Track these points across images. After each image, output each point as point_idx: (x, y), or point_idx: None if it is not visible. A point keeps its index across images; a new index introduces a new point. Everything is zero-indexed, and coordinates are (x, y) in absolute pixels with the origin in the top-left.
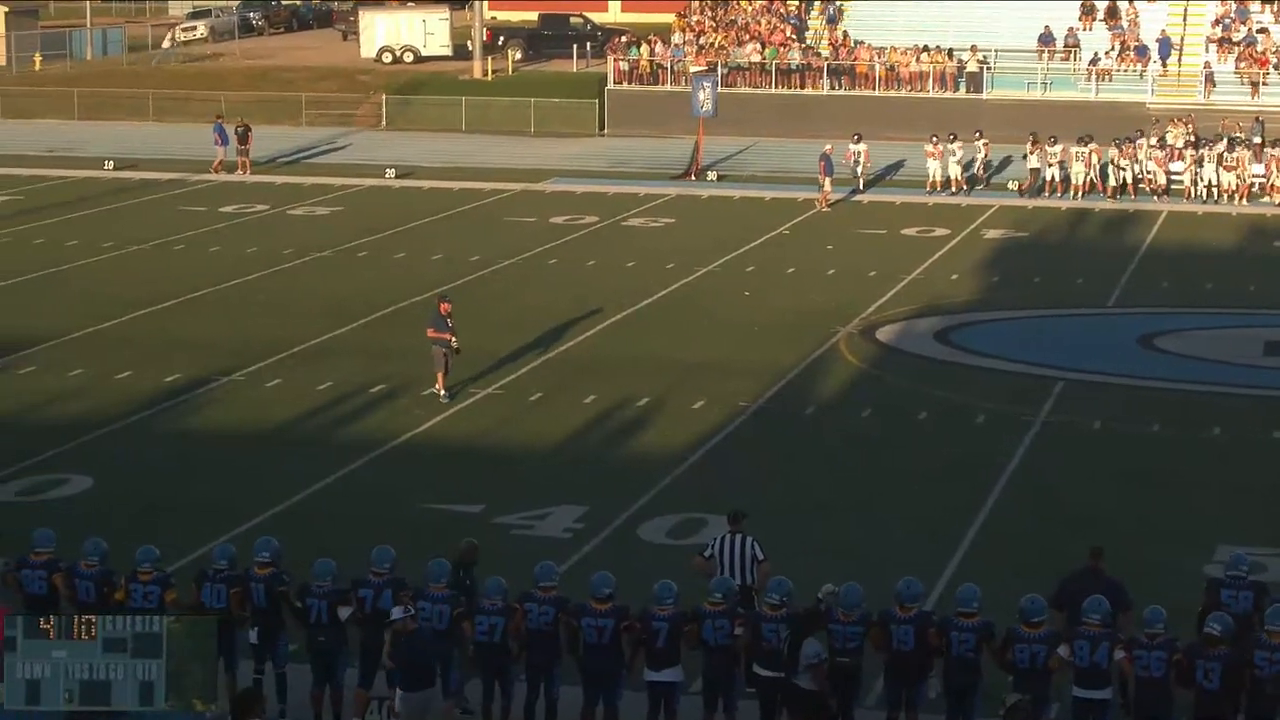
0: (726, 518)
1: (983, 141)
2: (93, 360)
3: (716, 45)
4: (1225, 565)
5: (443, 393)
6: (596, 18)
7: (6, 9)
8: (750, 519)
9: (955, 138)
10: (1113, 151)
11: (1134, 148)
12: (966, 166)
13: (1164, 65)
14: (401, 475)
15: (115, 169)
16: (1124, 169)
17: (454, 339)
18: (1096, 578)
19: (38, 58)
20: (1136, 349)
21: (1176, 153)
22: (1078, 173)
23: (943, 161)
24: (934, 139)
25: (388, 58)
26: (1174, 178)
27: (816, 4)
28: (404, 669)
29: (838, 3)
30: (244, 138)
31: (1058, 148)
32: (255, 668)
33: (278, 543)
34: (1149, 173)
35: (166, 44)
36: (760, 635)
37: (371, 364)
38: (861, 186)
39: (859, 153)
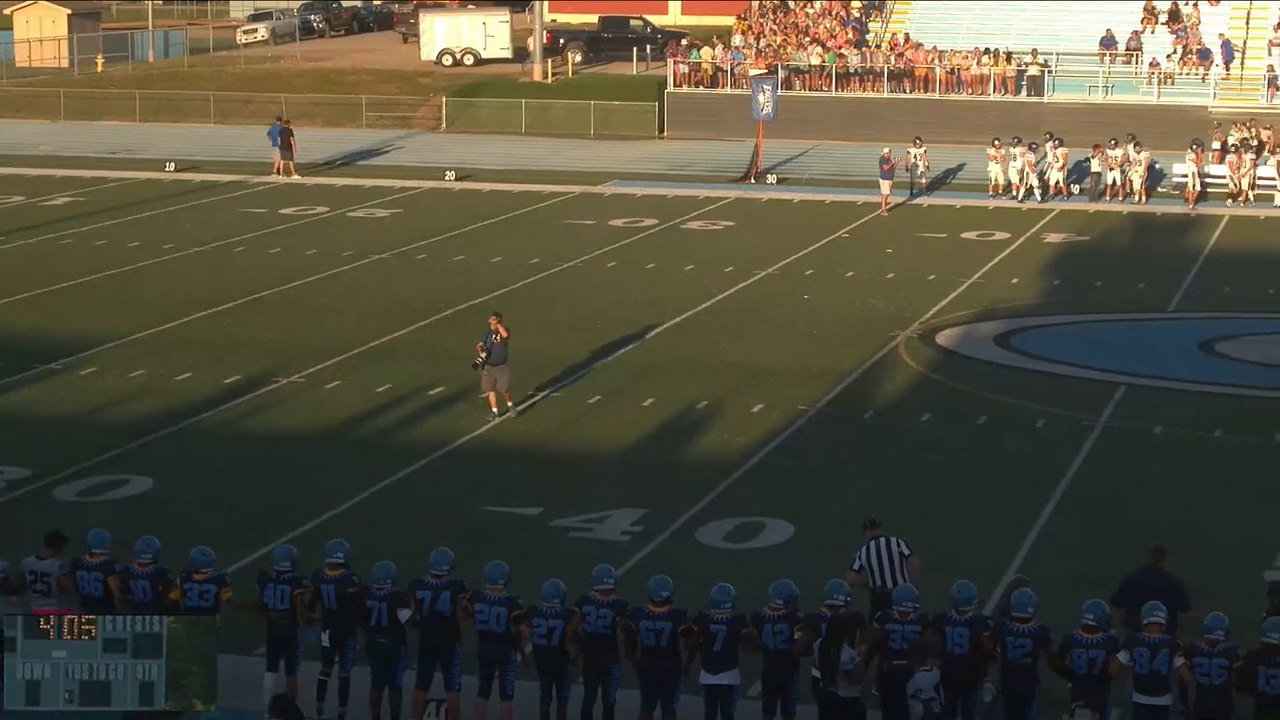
0: (863, 526)
1: (1024, 146)
2: (154, 361)
3: (776, 48)
4: None
5: (494, 410)
6: (656, 20)
7: (69, 11)
8: (808, 523)
9: (1019, 142)
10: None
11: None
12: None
13: (1226, 69)
14: (460, 477)
15: (177, 171)
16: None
17: (482, 354)
18: (1157, 576)
19: (100, 60)
20: (1198, 354)
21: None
22: (1136, 175)
23: (1004, 165)
24: (996, 143)
25: (448, 60)
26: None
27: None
28: None
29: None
30: (286, 140)
31: (1118, 151)
32: (322, 670)
33: (349, 545)
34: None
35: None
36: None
37: (431, 366)
38: (922, 189)
39: (918, 155)
